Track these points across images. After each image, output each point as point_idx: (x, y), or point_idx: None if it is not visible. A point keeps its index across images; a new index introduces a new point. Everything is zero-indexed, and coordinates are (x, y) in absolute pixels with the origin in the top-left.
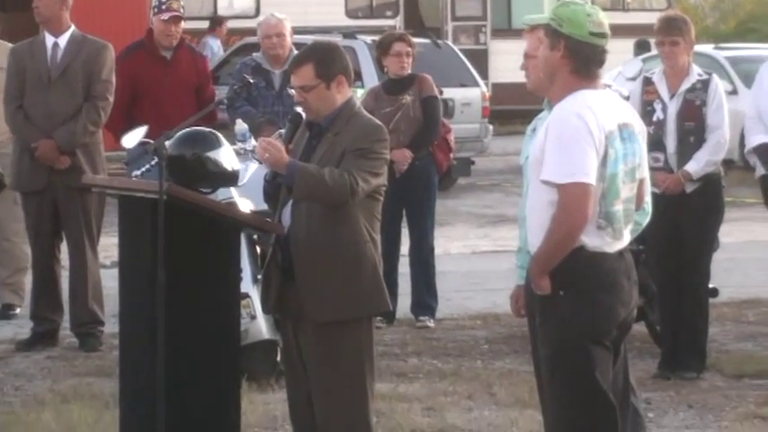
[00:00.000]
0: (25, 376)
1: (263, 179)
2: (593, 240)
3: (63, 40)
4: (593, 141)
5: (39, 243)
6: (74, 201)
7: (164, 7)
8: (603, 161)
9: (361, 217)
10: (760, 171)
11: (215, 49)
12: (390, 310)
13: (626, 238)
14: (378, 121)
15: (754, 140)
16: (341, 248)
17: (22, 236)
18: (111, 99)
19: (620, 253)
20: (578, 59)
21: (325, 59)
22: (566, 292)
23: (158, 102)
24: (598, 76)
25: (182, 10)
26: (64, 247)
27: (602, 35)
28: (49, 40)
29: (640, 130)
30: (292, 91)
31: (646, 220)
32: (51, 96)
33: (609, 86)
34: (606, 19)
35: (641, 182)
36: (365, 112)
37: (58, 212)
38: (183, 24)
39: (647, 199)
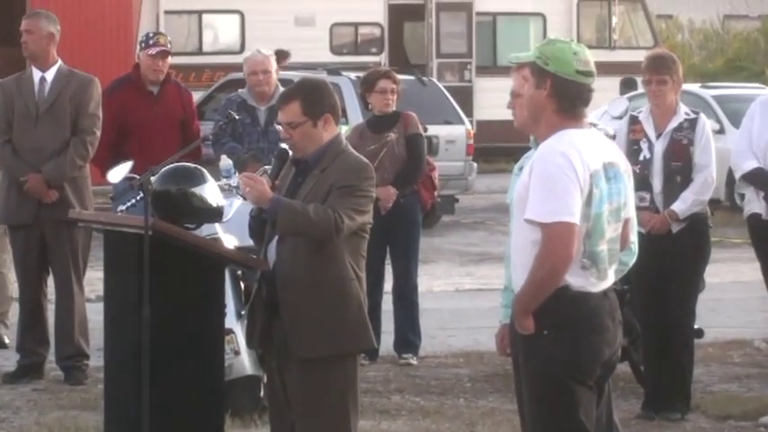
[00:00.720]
0: (11, 408)
1: (248, 215)
2: (577, 280)
3: (50, 75)
4: (578, 180)
5: (26, 276)
6: (61, 235)
7: (151, 42)
8: (588, 200)
9: (346, 254)
10: (749, 210)
11: None
12: (375, 347)
13: (610, 278)
14: (365, 159)
15: (746, 165)
16: (326, 286)
17: (10, 267)
18: (99, 133)
19: (605, 293)
20: (564, 98)
21: (312, 97)
22: (549, 331)
23: (144, 136)
24: (584, 114)
25: (169, 45)
26: (50, 281)
27: (589, 74)
28: (36, 74)
29: (626, 170)
30: (279, 127)
31: (632, 261)
32: (39, 131)
33: (595, 125)
34: (592, 57)
35: (626, 221)
36: (352, 150)
37: (45, 246)
38: (170, 59)
39: (633, 239)
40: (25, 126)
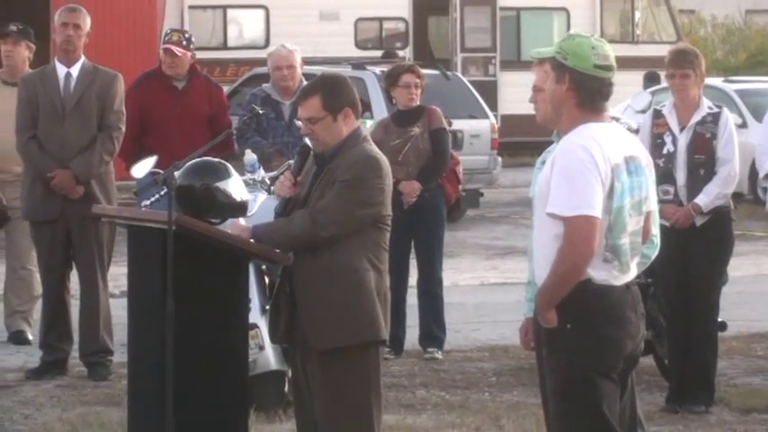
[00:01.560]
0: (34, 405)
1: (272, 210)
2: (599, 273)
3: (75, 71)
4: (599, 174)
5: (50, 273)
6: (87, 230)
7: (166, 39)
8: (610, 194)
9: (362, 246)
10: None
11: None
12: (384, 338)
13: (633, 271)
14: (374, 153)
15: None
16: (339, 275)
17: (36, 264)
18: (124, 129)
19: (627, 286)
20: (583, 92)
21: (332, 92)
22: (572, 324)
23: (167, 131)
24: (604, 108)
25: (183, 42)
26: (73, 276)
27: (608, 68)
28: (62, 70)
29: (647, 163)
30: (299, 122)
31: (654, 254)
32: (66, 127)
33: (617, 119)
34: (612, 51)
35: (648, 215)
36: (369, 144)
37: (69, 242)
38: (190, 55)
39: (655, 232)
40: (52, 122)
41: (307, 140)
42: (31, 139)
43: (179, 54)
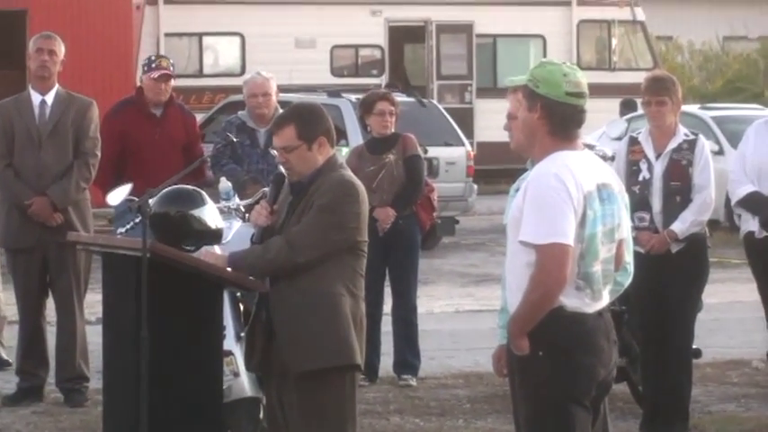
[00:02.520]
0: (11, 431)
1: (248, 238)
2: (571, 301)
3: (50, 98)
4: (572, 202)
5: (26, 300)
6: (65, 257)
7: (153, 65)
8: (582, 222)
9: (339, 272)
10: (745, 228)
11: None
12: (358, 363)
13: (605, 299)
14: (350, 178)
15: (741, 191)
16: (315, 301)
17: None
18: (99, 155)
19: (600, 313)
20: (555, 120)
21: (306, 121)
22: (544, 352)
23: (146, 159)
24: (577, 136)
25: (171, 68)
26: (49, 302)
27: (580, 95)
28: (36, 97)
29: (620, 191)
30: (274, 151)
31: (627, 281)
32: (42, 154)
33: (592, 147)
34: (585, 78)
35: (621, 242)
36: (345, 170)
37: (45, 269)
38: (172, 82)
39: (629, 259)
40: (28, 150)
41: (281, 168)
42: (7, 167)
43: (173, 79)
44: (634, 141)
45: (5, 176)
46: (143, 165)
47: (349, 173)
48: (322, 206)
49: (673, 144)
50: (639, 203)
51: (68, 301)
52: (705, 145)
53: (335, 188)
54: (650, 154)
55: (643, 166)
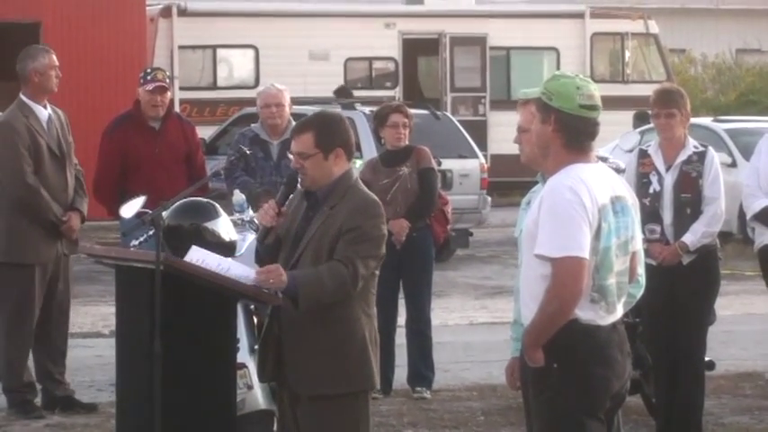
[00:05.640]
0: None
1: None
2: (586, 313)
3: (50, 112)
4: (587, 215)
5: (32, 313)
6: (66, 268)
7: (149, 78)
8: (597, 235)
9: (357, 295)
10: (760, 242)
11: None
12: (377, 387)
13: (619, 311)
14: (373, 196)
15: (756, 206)
16: (329, 325)
17: None
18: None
19: (614, 325)
20: (569, 133)
21: (326, 130)
22: (559, 364)
23: (149, 172)
24: (591, 148)
25: (167, 80)
26: None
27: (593, 107)
28: (42, 112)
29: (633, 203)
30: (291, 156)
31: (639, 293)
32: (64, 169)
33: (605, 159)
34: (598, 91)
35: (634, 254)
36: (362, 186)
37: (44, 282)
38: (170, 94)
39: (641, 271)
40: (54, 166)
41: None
42: (36, 182)
43: (169, 91)
44: (644, 154)
45: (38, 192)
46: (146, 178)
47: (366, 190)
48: (357, 232)
49: (683, 156)
50: (650, 216)
51: (66, 309)
52: (714, 157)
53: (363, 210)
54: (660, 166)
55: (653, 178)
